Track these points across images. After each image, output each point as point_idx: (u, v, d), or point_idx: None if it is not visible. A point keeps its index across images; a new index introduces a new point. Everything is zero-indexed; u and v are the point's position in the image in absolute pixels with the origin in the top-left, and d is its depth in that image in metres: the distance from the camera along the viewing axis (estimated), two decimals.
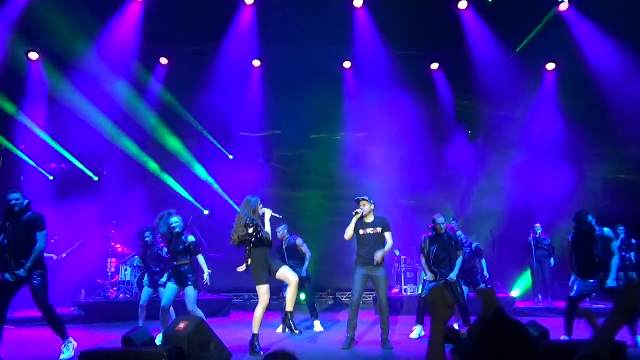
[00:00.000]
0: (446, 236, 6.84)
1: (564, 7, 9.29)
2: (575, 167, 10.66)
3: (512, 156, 10.69)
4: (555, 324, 6.22)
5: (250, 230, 5.49)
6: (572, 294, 6.08)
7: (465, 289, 7.32)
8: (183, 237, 6.19)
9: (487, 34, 9.93)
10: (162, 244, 7.01)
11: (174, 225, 6.15)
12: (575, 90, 10.37)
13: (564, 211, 10.11)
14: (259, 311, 5.59)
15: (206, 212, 11.09)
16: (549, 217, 10.08)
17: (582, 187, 10.51)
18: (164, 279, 6.38)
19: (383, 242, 6.03)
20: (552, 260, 9.55)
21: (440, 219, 6.84)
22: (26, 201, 5.39)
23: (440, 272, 6.72)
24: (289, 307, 5.64)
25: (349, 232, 6.03)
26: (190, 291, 6.11)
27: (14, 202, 5.28)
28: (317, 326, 7.39)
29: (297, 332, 5.60)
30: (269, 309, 5.84)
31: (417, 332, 6.72)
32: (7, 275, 5.17)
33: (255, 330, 5.56)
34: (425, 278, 7.04)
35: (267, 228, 5.63)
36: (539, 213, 10.19)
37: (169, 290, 6.19)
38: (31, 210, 5.41)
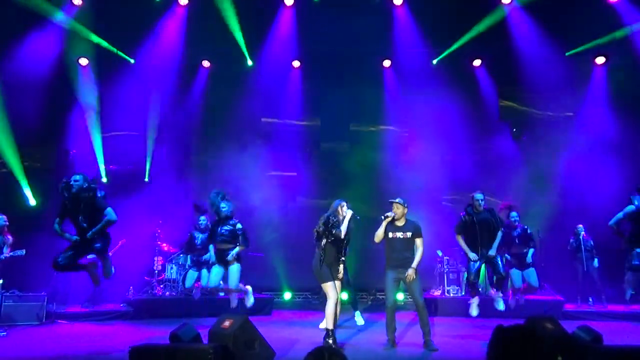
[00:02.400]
0: (485, 213, 6.69)
1: None
2: (628, 165, 10.18)
3: (559, 155, 10.34)
4: (609, 328, 5.97)
5: (325, 225, 5.83)
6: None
7: (517, 272, 7.22)
8: (231, 221, 6.40)
9: (531, 29, 9.66)
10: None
11: (221, 207, 6.39)
12: (627, 84, 9.91)
13: (614, 212, 9.72)
14: (329, 307, 5.73)
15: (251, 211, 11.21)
16: (598, 218, 9.68)
17: (635, 185, 10.03)
18: (210, 258, 6.58)
19: (413, 246, 5.98)
20: (596, 261, 9.17)
21: (479, 195, 6.71)
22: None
23: (482, 251, 6.64)
24: (330, 324, 5.72)
25: (379, 235, 6.00)
26: (235, 268, 6.31)
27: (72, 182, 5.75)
28: (358, 318, 7.40)
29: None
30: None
31: (474, 304, 6.81)
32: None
33: (330, 326, 5.70)
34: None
35: (343, 227, 5.85)
36: (587, 214, 9.78)
37: (214, 272, 6.43)
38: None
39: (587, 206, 9.75)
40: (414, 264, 5.85)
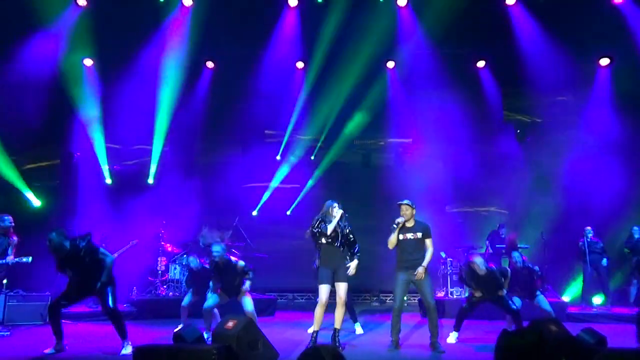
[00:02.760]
0: (486, 275, 6.49)
1: None
2: (632, 166, 10.16)
3: (563, 156, 10.32)
4: (613, 330, 5.95)
5: (312, 226, 5.81)
6: None
7: (517, 300, 7.07)
8: (234, 265, 6.37)
9: (535, 29, 9.64)
10: (206, 264, 7.32)
11: (214, 254, 6.36)
12: (631, 85, 9.88)
13: (618, 212, 9.71)
14: (317, 310, 5.74)
15: (254, 213, 11.25)
16: (602, 219, 9.67)
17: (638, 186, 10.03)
18: (213, 288, 6.56)
19: (423, 247, 5.97)
20: (604, 260, 9.14)
21: (479, 259, 6.51)
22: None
23: (488, 292, 6.53)
24: (337, 324, 5.73)
25: (392, 242, 5.98)
26: (248, 300, 6.38)
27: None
28: (358, 329, 7.35)
29: (341, 349, 5.65)
30: (312, 308, 5.89)
31: (453, 337, 6.56)
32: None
33: (316, 327, 5.69)
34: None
35: (330, 225, 5.75)
36: (591, 215, 9.76)
37: (214, 297, 6.41)
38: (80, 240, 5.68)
39: (592, 207, 9.74)
40: (424, 263, 5.84)
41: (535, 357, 1.71)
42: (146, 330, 7.22)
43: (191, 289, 7.40)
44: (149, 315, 8.65)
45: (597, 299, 9.30)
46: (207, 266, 7.30)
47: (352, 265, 5.84)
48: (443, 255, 9.69)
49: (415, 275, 5.82)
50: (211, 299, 6.44)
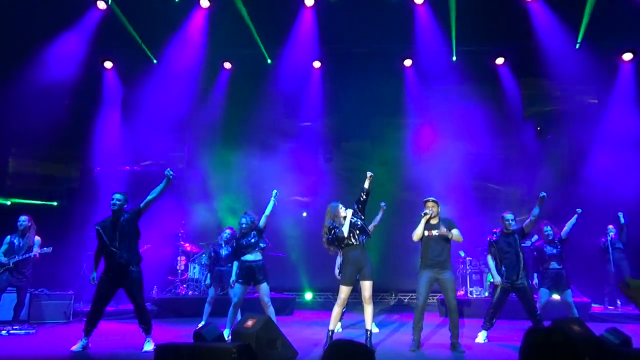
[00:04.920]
0: (515, 235, 6.50)
1: None
2: None
3: (585, 153, 10.13)
4: (637, 330, 5.83)
5: (327, 235, 5.79)
6: None
7: (546, 291, 6.99)
8: (252, 234, 6.45)
9: (556, 25, 9.47)
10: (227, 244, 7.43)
11: (242, 222, 6.45)
12: None
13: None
14: (335, 309, 5.75)
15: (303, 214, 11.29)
16: (625, 217, 9.46)
17: None
18: (233, 277, 6.59)
19: (447, 246, 5.94)
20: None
21: (509, 216, 6.52)
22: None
23: (508, 274, 6.42)
24: (368, 324, 5.71)
25: (418, 234, 5.94)
26: (265, 286, 6.35)
27: (115, 201, 5.81)
28: (374, 328, 7.34)
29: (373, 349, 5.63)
30: (330, 308, 5.89)
31: (482, 337, 6.50)
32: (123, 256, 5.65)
33: (331, 327, 5.71)
34: (491, 280, 6.77)
35: (344, 228, 5.72)
36: (614, 213, 9.56)
37: (238, 289, 6.43)
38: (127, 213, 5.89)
39: (615, 205, 9.54)
40: (452, 232, 5.87)
41: (562, 357, 1.68)
42: (166, 329, 7.31)
43: (213, 284, 7.50)
44: (169, 314, 8.77)
45: (620, 299, 9.12)
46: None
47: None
48: (462, 254, 9.61)
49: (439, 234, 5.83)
50: (236, 296, 6.50)
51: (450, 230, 5.90)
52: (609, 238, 8.96)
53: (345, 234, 5.70)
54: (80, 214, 9.91)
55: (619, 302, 8.94)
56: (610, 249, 8.83)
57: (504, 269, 6.46)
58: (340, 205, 5.90)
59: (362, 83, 10.60)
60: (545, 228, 7.40)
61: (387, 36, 9.99)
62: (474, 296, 9.20)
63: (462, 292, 9.47)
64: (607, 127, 10.11)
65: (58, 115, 9.71)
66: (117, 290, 5.83)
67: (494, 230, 6.81)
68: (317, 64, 10.93)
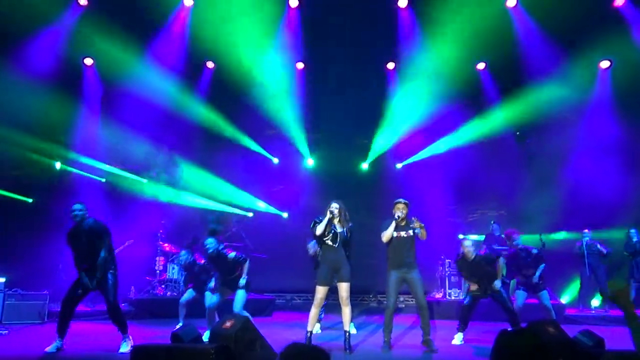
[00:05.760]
0: (477, 259, 6.55)
1: (619, 1, 8.90)
2: (631, 168, 10.17)
3: (563, 158, 10.32)
4: (611, 332, 5.94)
5: (313, 224, 5.83)
6: None
7: (522, 293, 7.10)
8: (225, 255, 6.35)
9: (535, 32, 9.63)
10: (200, 260, 7.35)
11: (207, 246, 6.33)
12: (631, 88, 9.89)
13: (617, 215, 9.71)
14: (312, 310, 5.76)
15: (250, 215, 11.25)
16: (601, 222, 9.67)
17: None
18: (212, 284, 6.53)
19: (415, 246, 5.99)
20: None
21: (468, 242, 6.60)
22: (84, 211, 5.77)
23: (485, 286, 6.54)
24: (346, 326, 5.74)
25: (388, 235, 5.99)
26: (241, 294, 6.28)
27: (76, 212, 5.68)
28: (352, 329, 7.35)
29: (349, 352, 5.64)
30: (310, 309, 5.88)
31: (458, 338, 6.57)
32: (86, 280, 5.60)
33: (309, 328, 5.73)
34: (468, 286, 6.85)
35: (320, 226, 5.73)
36: (590, 217, 9.77)
37: (216, 296, 6.38)
38: (91, 218, 5.79)
39: (592, 209, 9.75)
40: (421, 225, 5.86)
41: (531, 357, 1.71)
42: (144, 330, 7.21)
43: (190, 287, 7.41)
44: (147, 315, 8.66)
45: (595, 301, 9.32)
46: (200, 262, 7.33)
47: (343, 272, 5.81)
48: (442, 257, 9.70)
49: (412, 221, 5.81)
50: (214, 297, 6.43)
51: (415, 231, 5.93)
52: (584, 242, 9.14)
53: (319, 231, 5.72)
54: (57, 212, 9.72)
55: (592, 304, 9.14)
56: (585, 252, 9.01)
57: (474, 279, 6.56)
58: (333, 204, 5.85)
59: (346, 85, 10.63)
60: (516, 239, 7.48)
61: (371, 39, 10.04)
62: (452, 298, 9.30)
63: (440, 295, 9.56)
64: (586, 133, 10.33)
65: (37, 112, 9.52)
66: (88, 293, 5.76)
67: (457, 255, 6.83)
68: (300, 65, 10.92)
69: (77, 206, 5.73)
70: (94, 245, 5.64)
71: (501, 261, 6.66)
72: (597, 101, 10.35)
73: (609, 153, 10.16)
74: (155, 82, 10.26)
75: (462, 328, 6.58)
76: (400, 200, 6.08)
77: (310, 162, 11.64)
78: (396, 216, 5.95)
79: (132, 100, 10.22)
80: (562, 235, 9.11)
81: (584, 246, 9.08)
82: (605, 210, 9.69)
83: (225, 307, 6.79)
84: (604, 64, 10.22)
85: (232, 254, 6.40)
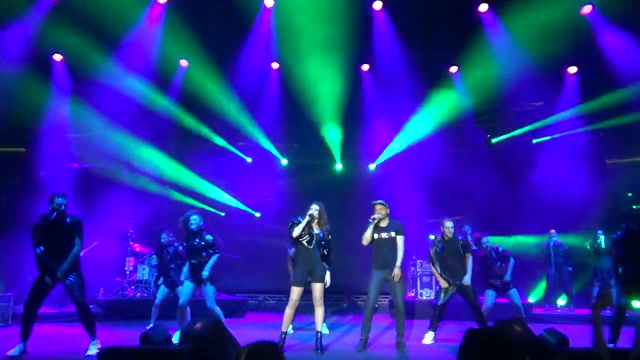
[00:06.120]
0: (454, 240, 6.74)
1: (587, 9, 9.16)
2: (595, 172, 10.49)
3: (532, 160, 10.58)
4: (575, 331, 6.12)
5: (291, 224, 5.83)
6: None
7: (492, 293, 7.24)
8: (202, 235, 6.31)
9: (506, 36, 9.84)
10: (177, 243, 7.23)
11: (190, 221, 6.30)
12: (597, 94, 10.21)
13: (582, 217, 10.01)
14: (286, 310, 5.77)
15: (222, 214, 11.16)
16: (568, 224, 9.94)
17: (603, 193, 10.36)
18: (183, 276, 6.46)
19: (396, 247, 6.04)
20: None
21: (449, 223, 6.74)
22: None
23: (451, 277, 6.65)
24: (318, 326, 5.77)
25: (367, 238, 6.05)
26: (209, 289, 6.23)
27: (62, 204, 5.53)
28: (324, 329, 7.39)
29: (320, 352, 5.66)
30: (283, 310, 5.88)
31: (429, 337, 6.67)
32: (48, 278, 5.44)
33: (284, 328, 5.75)
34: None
35: (297, 228, 5.73)
36: (558, 217, 10.04)
37: (186, 288, 6.30)
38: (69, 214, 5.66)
39: (558, 210, 10.01)
40: (398, 263, 5.92)
41: (498, 356, 1.75)
42: (113, 332, 7.09)
43: (161, 284, 7.31)
44: (116, 317, 8.50)
45: (561, 301, 9.57)
46: (177, 245, 7.22)
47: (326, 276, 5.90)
48: (414, 257, 9.81)
49: (393, 276, 5.89)
50: (184, 295, 6.34)
51: (397, 235, 6.01)
52: (551, 242, 9.39)
53: (296, 233, 5.73)
54: (22, 212, 9.45)
55: (558, 303, 9.39)
56: (552, 252, 9.25)
57: (446, 272, 6.66)
58: (314, 206, 5.87)
59: (320, 85, 10.64)
60: (482, 240, 7.64)
61: (346, 40, 10.07)
62: (424, 297, 9.41)
63: (412, 294, 9.67)
64: (554, 134, 10.62)
65: (2, 108, 9.24)
66: (51, 291, 5.62)
67: (433, 237, 6.97)
68: (275, 65, 10.90)
69: (62, 198, 5.57)
70: (70, 240, 5.52)
71: (470, 260, 6.78)
72: (565, 105, 10.64)
73: (576, 155, 10.46)
74: (127, 79, 10.08)
75: (433, 327, 6.68)
76: (377, 201, 6.13)
77: (284, 162, 11.62)
78: (371, 218, 6.00)
79: (103, 96, 10.01)
80: (529, 239, 9.33)
81: (551, 247, 9.33)
82: (571, 213, 9.96)
83: (197, 308, 6.72)
84: (572, 69, 10.50)
85: (210, 237, 6.38)
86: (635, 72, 9.22)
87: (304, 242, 5.77)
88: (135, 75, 10.14)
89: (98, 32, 9.40)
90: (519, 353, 2.08)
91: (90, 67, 9.95)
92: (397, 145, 11.10)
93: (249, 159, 11.53)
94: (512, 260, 7.51)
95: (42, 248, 5.47)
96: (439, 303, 6.75)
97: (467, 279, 6.61)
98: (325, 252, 5.95)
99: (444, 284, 6.68)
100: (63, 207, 5.56)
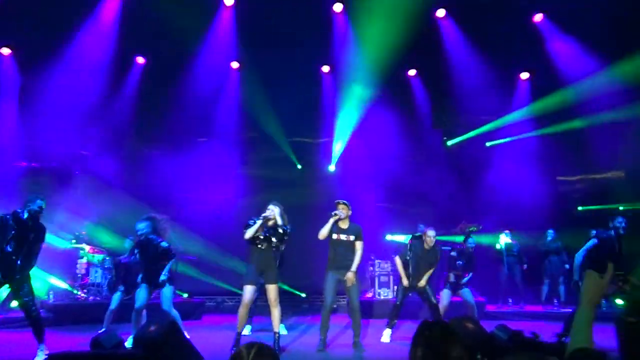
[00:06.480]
0: (434, 250, 6.91)
1: (538, 17, 9.52)
2: (547, 175, 10.91)
3: (485, 162, 10.89)
4: (525, 326, 6.33)
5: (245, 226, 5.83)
6: None
7: (448, 292, 7.40)
8: (157, 241, 6.16)
9: (463, 42, 10.10)
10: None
11: (138, 230, 6.15)
12: (548, 99, 10.62)
13: (534, 217, 10.39)
14: (240, 310, 5.73)
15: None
16: (520, 224, 10.28)
17: (553, 194, 10.79)
18: (138, 279, 6.31)
19: (354, 249, 6.10)
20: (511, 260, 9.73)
21: (431, 232, 6.89)
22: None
23: (414, 282, 6.81)
24: (275, 327, 5.76)
25: (324, 233, 6.05)
26: (167, 291, 6.11)
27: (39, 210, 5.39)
28: (282, 330, 7.38)
29: (278, 353, 5.64)
30: (232, 311, 5.86)
31: (387, 335, 6.77)
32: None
33: (239, 329, 5.72)
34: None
35: (250, 230, 5.72)
36: (510, 218, 10.37)
37: (143, 292, 6.14)
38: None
39: (511, 211, 10.35)
40: (353, 267, 5.97)
41: (451, 349, 1.81)
42: (63, 337, 6.83)
43: (120, 288, 7.11)
44: (67, 322, 8.17)
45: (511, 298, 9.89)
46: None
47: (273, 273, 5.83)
48: (372, 257, 9.91)
49: (346, 279, 5.93)
50: (140, 299, 6.18)
51: (355, 240, 6.07)
52: (504, 242, 9.71)
53: (248, 235, 5.71)
54: None
55: (510, 300, 9.71)
56: (504, 252, 9.56)
57: (411, 271, 6.79)
58: (270, 207, 5.86)
59: (281, 86, 10.61)
60: (469, 240, 7.82)
61: (307, 41, 10.09)
62: (382, 297, 9.53)
63: (370, 294, 9.77)
64: (505, 138, 10.98)
65: None
66: None
67: (411, 240, 7.09)
68: (235, 65, 10.79)
69: (43, 202, 5.43)
70: (37, 245, 5.42)
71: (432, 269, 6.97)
72: (517, 109, 11.02)
73: (528, 159, 10.85)
74: (81, 74, 9.74)
75: (391, 325, 6.80)
76: (340, 201, 6.16)
77: (244, 162, 11.52)
78: (333, 213, 6.02)
79: (54, 93, 9.64)
80: (482, 238, 9.59)
81: (503, 246, 9.64)
82: (523, 213, 10.32)
83: (154, 311, 6.56)
84: (524, 75, 10.89)
85: (165, 244, 6.24)
86: (583, 77, 9.65)
87: (258, 243, 5.75)
88: (89, 70, 9.81)
89: (50, 25, 9.06)
90: (471, 348, 2.15)
91: (41, 61, 9.58)
92: (357, 145, 11.18)
93: (208, 159, 11.33)
94: (474, 261, 7.69)
95: (9, 247, 5.29)
96: (397, 302, 6.87)
97: (423, 283, 6.79)
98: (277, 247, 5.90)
99: (405, 282, 6.79)
100: (41, 212, 5.41)
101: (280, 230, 5.80)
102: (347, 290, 6.10)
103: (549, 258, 9.61)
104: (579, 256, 6.30)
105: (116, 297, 7.08)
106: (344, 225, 6.10)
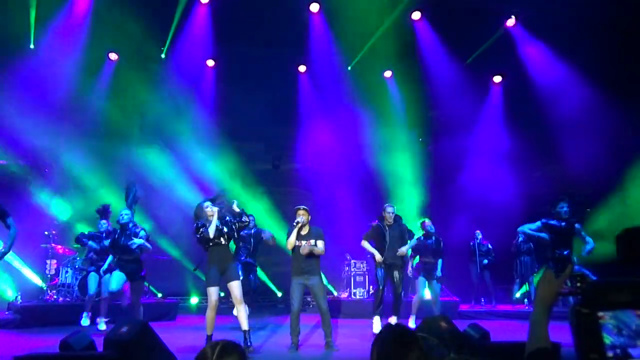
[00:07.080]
0: (396, 226, 7.00)
1: (510, 22, 9.71)
2: (520, 176, 11.13)
3: (460, 163, 11.06)
4: (496, 325, 6.46)
5: (195, 233, 5.74)
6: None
7: (423, 280, 7.49)
8: (134, 231, 6.15)
9: (437, 45, 10.23)
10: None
11: (122, 215, 6.10)
12: (520, 103, 10.85)
13: (507, 217, 10.59)
14: (207, 313, 5.69)
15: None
16: (493, 224, 10.47)
17: (526, 194, 11.01)
18: (105, 267, 6.28)
19: (316, 254, 6.10)
20: (485, 261, 9.90)
21: (390, 208, 7.00)
22: None
23: (388, 259, 6.92)
24: (243, 325, 5.71)
25: (291, 242, 6.05)
26: (139, 283, 6.08)
27: None
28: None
29: (251, 349, 5.62)
30: (217, 312, 5.80)
31: (377, 323, 6.90)
32: None
33: (208, 332, 5.68)
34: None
35: (211, 229, 5.67)
36: (483, 217, 10.55)
37: (118, 277, 6.13)
38: None
39: (484, 210, 10.52)
40: (313, 250, 6.00)
41: (402, 351, 1.84)
42: (30, 339, 6.64)
43: (93, 269, 7.05)
44: (35, 323, 7.93)
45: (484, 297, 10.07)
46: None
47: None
48: (348, 257, 9.96)
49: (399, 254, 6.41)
50: (116, 282, 6.13)
51: (316, 243, 6.05)
52: (476, 241, 9.87)
53: (211, 235, 5.66)
54: None
55: (482, 300, 9.87)
56: (477, 251, 9.72)
57: (384, 248, 6.93)
58: (207, 204, 5.83)
59: (257, 85, 10.56)
60: (426, 220, 7.92)
61: (283, 40, 10.07)
62: (357, 297, 9.57)
63: (346, 294, 9.81)
64: (480, 140, 11.16)
65: None
66: None
67: (376, 221, 7.17)
68: (210, 63, 10.69)
69: None
70: None
71: (412, 241, 7.24)
72: (490, 111, 11.22)
73: (501, 159, 11.06)
74: (52, 68, 9.50)
75: (378, 312, 6.94)
76: (300, 207, 6.15)
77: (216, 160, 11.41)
78: (295, 222, 6.03)
79: (20, 88, 9.37)
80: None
81: (476, 245, 9.81)
82: (494, 213, 10.50)
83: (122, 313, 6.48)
84: (497, 78, 11.10)
85: (143, 233, 6.20)
86: (554, 81, 9.89)
87: (216, 241, 5.73)
88: (60, 66, 9.57)
89: (21, 18, 8.82)
90: (443, 348, 2.18)
91: (9, 55, 9.30)
92: (332, 145, 11.22)
93: (182, 157, 11.21)
94: (440, 261, 7.74)
95: None
96: (379, 286, 6.96)
97: (403, 250, 6.91)
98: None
99: (378, 257, 6.90)
100: None
101: (231, 221, 5.83)
102: (314, 295, 6.14)
103: (520, 258, 9.81)
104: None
105: (93, 280, 7.06)
106: (304, 231, 6.09)
